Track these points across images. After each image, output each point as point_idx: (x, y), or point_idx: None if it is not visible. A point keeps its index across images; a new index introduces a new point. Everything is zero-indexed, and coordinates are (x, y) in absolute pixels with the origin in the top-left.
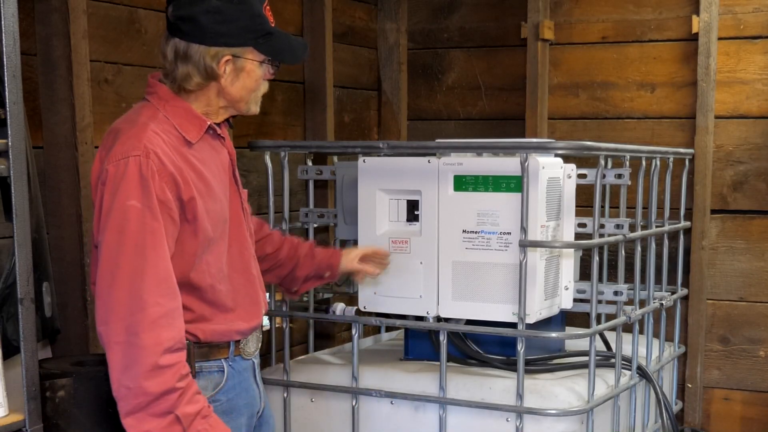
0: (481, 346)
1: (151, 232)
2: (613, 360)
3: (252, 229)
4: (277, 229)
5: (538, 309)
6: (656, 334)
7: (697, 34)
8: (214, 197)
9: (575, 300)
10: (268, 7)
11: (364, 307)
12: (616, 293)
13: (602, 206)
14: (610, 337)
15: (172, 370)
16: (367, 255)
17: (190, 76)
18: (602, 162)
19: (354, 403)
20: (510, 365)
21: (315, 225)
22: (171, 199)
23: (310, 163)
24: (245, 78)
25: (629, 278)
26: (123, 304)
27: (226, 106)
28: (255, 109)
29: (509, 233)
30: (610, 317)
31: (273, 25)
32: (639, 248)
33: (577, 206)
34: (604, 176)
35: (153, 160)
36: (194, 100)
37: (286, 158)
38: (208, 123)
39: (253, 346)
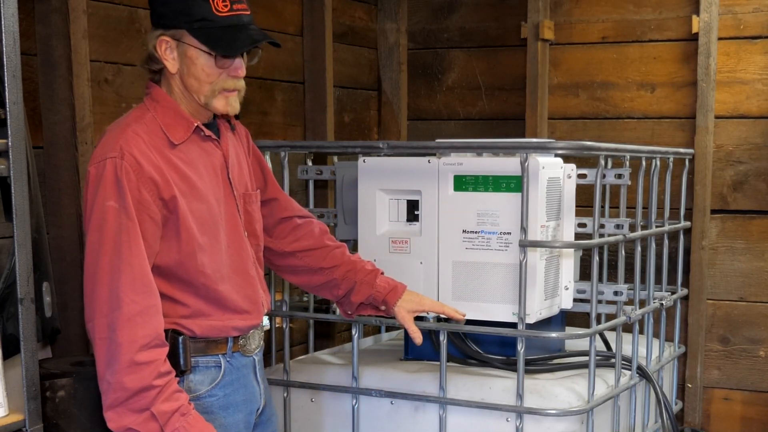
0: (481, 346)
1: (126, 232)
2: (613, 360)
3: (259, 230)
4: (344, 245)
5: (538, 309)
6: (656, 334)
7: (697, 34)
8: (200, 197)
9: (575, 300)
10: None
11: None
12: (616, 293)
13: (602, 206)
14: (610, 337)
15: (150, 368)
16: (425, 311)
17: (149, 57)
18: (602, 162)
19: (354, 403)
20: (510, 365)
21: None
22: (149, 199)
23: (310, 163)
24: (190, 65)
25: (629, 278)
26: (104, 301)
27: (193, 99)
28: (217, 105)
29: (509, 233)
30: (610, 317)
31: (226, 13)
32: (639, 248)
33: (577, 206)
34: (604, 176)
35: (128, 161)
36: (166, 89)
37: (286, 158)
38: (195, 124)
39: (254, 343)
